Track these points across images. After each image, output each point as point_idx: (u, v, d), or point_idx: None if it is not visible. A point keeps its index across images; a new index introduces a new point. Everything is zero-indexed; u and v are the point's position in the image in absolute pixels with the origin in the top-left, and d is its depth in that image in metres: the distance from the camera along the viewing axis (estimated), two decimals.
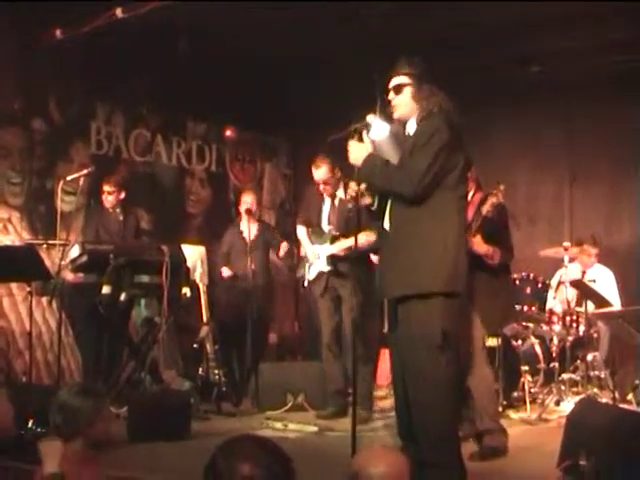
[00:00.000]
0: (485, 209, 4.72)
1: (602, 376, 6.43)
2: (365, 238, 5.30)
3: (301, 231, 6.39)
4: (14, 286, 6.77)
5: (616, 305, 6.72)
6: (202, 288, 6.61)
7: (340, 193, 6.06)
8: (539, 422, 5.86)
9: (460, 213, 3.90)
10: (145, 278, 6.18)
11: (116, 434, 4.80)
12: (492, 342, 5.94)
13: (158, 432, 5.08)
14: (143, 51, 7.35)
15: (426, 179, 3.70)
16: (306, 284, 6.30)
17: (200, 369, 6.50)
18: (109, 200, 6.83)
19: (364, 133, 3.97)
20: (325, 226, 6.16)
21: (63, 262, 6.14)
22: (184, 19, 6.55)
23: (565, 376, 6.37)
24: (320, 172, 6.02)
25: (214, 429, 5.54)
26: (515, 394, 6.37)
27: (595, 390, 6.22)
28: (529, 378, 6.40)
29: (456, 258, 3.78)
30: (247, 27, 7.13)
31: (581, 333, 6.51)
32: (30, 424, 3.77)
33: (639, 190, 7.86)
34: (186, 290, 6.49)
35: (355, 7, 6.52)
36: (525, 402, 6.17)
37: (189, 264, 6.48)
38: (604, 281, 7.09)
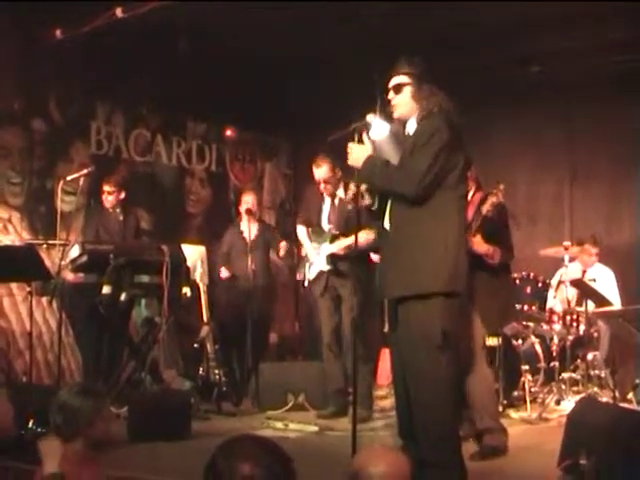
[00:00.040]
0: (485, 208, 4.72)
1: (602, 375, 6.43)
2: (364, 237, 5.30)
3: (301, 231, 6.40)
4: (14, 286, 6.77)
5: (616, 304, 6.72)
6: (202, 288, 6.61)
7: (340, 193, 6.07)
8: (539, 421, 5.86)
9: (460, 213, 3.90)
10: (145, 278, 6.18)
11: (116, 434, 4.81)
12: (492, 341, 5.94)
13: (158, 432, 5.07)
14: (143, 51, 7.36)
15: (427, 179, 3.70)
16: (306, 284, 6.30)
17: (200, 369, 6.49)
18: (109, 200, 6.83)
19: (364, 134, 3.97)
20: (325, 225, 6.16)
21: (63, 262, 6.14)
22: (184, 19, 6.55)
23: (565, 375, 6.36)
24: (321, 171, 6.02)
25: (214, 429, 5.54)
26: (515, 393, 6.37)
27: (595, 389, 6.22)
28: (529, 377, 6.41)
29: (456, 258, 3.77)
30: (247, 27, 7.13)
31: (581, 332, 6.51)
32: (30, 424, 3.77)
33: (639, 190, 7.86)
34: (186, 290, 6.49)
35: (355, 7, 6.52)
36: (525, 401, 6.17)
37: (189, 264, 6.48)
38: (604, 280, 7.09)
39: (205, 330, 6.54)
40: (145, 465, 4.49)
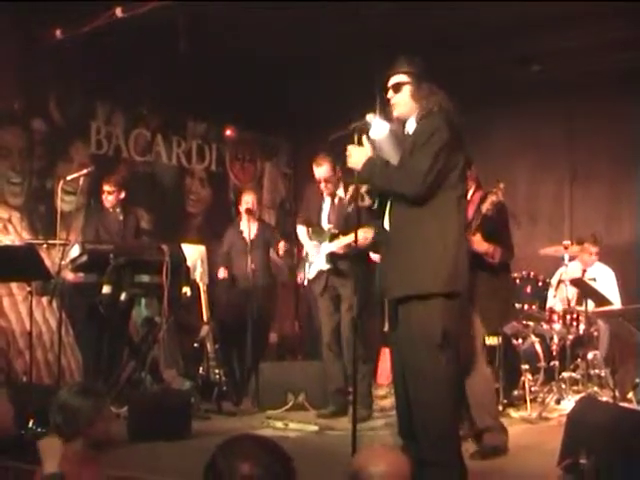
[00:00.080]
0: (485, 207, 4.72)
1: (602, 374, 6.43)
2: (363, 235, 5.30)
3: (301, 231, 6.40)
4: (14, 286, 6.77)
5: (616, 304, 6.72)
6: (202, 287, 6.61)
7: (340, 192, 6.07)
8: (539, 421, 5.86)
9: (460, 212, 3.90)
10: (145, 278, 6.18)
11: (116, 434, 4.79)
12: (492, 341, 5.94)
13: (158, 432, 5.08)
14: (143, 51, 7.36)
15: (428, 179, 3.70)
16: (305, 283, 6.30)
17: (200, 368, 6.50)
18: (109, 200, 6.82)
19: (363, 137, 3.97)
20: (325, 225, 6.16)
21: (63, 262, 6.14)
22: (184, 19, 6.54)
23: (565, 375, 6.36)
24: (322, 170, 6.03)
25: (215, 428, 5.54)
26: (515, 393, 6.38)
27: (595, 389, 6.23)
28: (529, 377, 6.41)
29: (456, 258, 3.77)
30: (247, 27, 7.13)
31: (581, 332, 6.52)
32: (30, 424, 3.78)
33: (639, 190, 7.86)
34: (186, 289, 6.49)
35: (355, 7, 6.52)
36: (525, 401, 6.17)
37: (189, 263, 6.48)
38: (604, 280, 7.09)
39: (205, 330, 6.55)
40: (145, 465, 4.49)
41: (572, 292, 6.78)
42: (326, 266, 6.02)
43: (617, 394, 6.01)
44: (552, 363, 6.57)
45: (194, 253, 6.82)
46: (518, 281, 6.71)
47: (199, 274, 6.61)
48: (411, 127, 3.93)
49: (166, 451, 4.86)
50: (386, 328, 4.76)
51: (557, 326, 6.61)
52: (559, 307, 6.80)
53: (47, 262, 6.34)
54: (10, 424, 3.18)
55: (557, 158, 8.44)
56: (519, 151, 8.52)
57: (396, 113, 3.98)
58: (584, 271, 7.18)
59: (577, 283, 6.64)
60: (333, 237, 6.01)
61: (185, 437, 5.20)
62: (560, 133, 8.41)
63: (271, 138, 9.65)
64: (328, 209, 6.18)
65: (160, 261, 5.97)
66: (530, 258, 6.94)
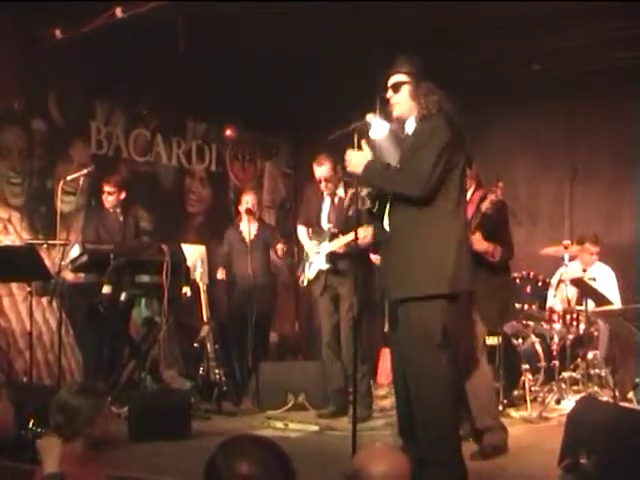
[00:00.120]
0: (484, 206, 4.72)
1: (602, 374, 6.43)
2: (362, 233, 5.30)
3: (301, 231, 6.40)
4: (14, 286, 6.76)
5: (616, 303, 6.72)
6: (202, 287, 6.61)
7: (340, 192, 6.08)
8: (540, 421, 5.86)
9: (460, 212, 3.90)
10: (145, 278, 6.18)
11: (117, 434, 4.82)
12: (492, 341, 5.95)
13: (159, 432, 5.08)
14: (143, 51, 7.36)
15: (432, 179, 3.69)
16: (305, 283, 6.30)
17: (201, 369, 6.49)
18: (109, 200, 6.82)
19: (362, 142, 3.96)
20: (325, 225, 6.16)
21: (63, 262, 6.15)
22: (184, 19, 6.54)
23: (565, 374, 6.36)
24: (322, 169, 6.03)
25: (215, 428, 5.54)
26: (516, 393, 6.38)
27: (595, 388, 6.23)
28: (529, 377, 6.42)
29: (457, 259, 3.76)
30: (247, 27, 7.13)
31: (581, 331, 6.52)
32: (30, 424, 3.77)
33: (639, 190, 7.85)
34: (186, 289, 6.50)
35: (355, 7, 6.52)
36: (526, 401, 6.17)
37: (189, 263, 6.49)
38: (604, 279, 7.09)
39: (205, 330, 6.55)
40: (145, 465, 4.49)
41: (572, 292, 6.78)
42: (326, 266, 6.02)
43: (617, 394, 6.00)
44: (552, 363, 6.57)
45: (194, 253, 6.83)
46: (518, 281, 6.71)
47: (199, 274, 6.61)
48: (410, 127, 3.93)
49: (166, 451, 4.86)
50: (386, 328, 4.77)
51: (557, 326, 6.61)
52: (559, 307, 6.80)
53: (47, 262, 6.35)
54: (10, 424, 3.16)
55: (557, 158, 8.44)
56: (519, 151, 8.52)
57: (396, 113, 3.98)
58: (584, 271, 7.17)
59: (577, 283, 6.63)
60: (333, 237, 6.01)
61: (185, 437, 5.20)
62: (560, 133, 8.41)
63: (271, 138, 9.65)
64: (328, 209, 6.18)
65: (160, 261, 5.97)
66: (530, 258, 6.94)
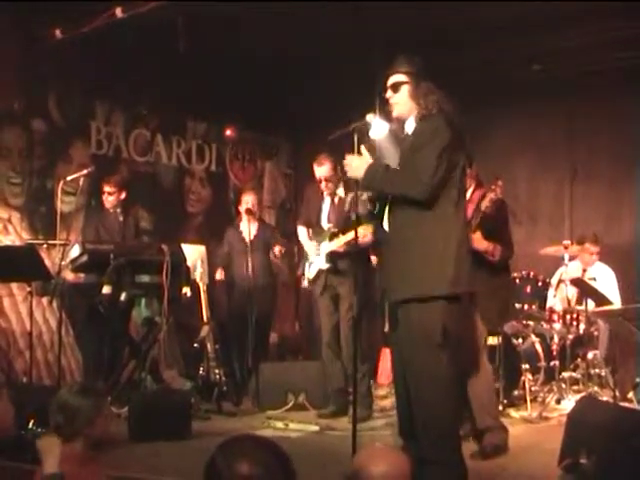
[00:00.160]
0: (483, 205, 4.72)
1: (602, 374, 6.43)
2: (362, 232, 5.29)
3: (302, 232, 6.40)
4: (14, 286, 6.77)
5: (616, 303, 6.72)
6: (202, 287, 6.61)
7: (340, 191, 6.08)
8: (540, 420, 5.85)
9: (460, 212, 3.89)
10: (145, 278, 6.18)
11: (117, 434, 4.82)
12: (492, 341, 5.94)
13: (159, 432, 5.08)
14: (143, 51, 7.36)
15: (434, 180, 3.69)
16: (305, 283, 6.30)
17: (201, 369, 6.49)
18: (109, 200, 6.82)
19: (362, 147, 3.96)
20: (325, 224, 6.17)
21: (63, 262, 6.14)
22: (184, 19, 6.54)
23: (565, 374, 6.36)
24: (323, 169, 6.04)
25: (215, 429, 5.54)
26: (516, 392, 6.37)
27: (595, 388, 6.23)
28: (530, 376, 6.41)
29: (458, 259, 3.76)
30: (247, 27, 7.13)
31: (581, 331, 6.51)
32: (30, 424, 3.77)
33: (639, 190, 7.85)
34: (186, 290, 6.50)
35: (355, 7, 6.52)
36: (526, 400, 6.17)
37: (189, 264, 6.48)
38: (604, 279, 7.09)
39: (205, 330, 6.54)
40: (145, 465, 4.49)
41: (572, 292, 6.79)
42: (326, 265, 6.02)
43: (617, 394, 6.00)
44: (552, 363, 6.57)
45: (194, 253, 6.83)
46: (518, 281, 6.71)
47: (199, 274, 6.61)
48: (410, 127, 3.93)
49: (166, 451, 4.86)
50: (386, 328, 4.76)
51: (557, 326, 6.61)
52: (559, 307, 6.80)
53: (47, 262, 6.35)
54: (10, 424, 3.17)
55: (557, 158, 8.44)
56: (519, 151, 8.52)
57: (395, 113, 3.98)
58: (584, 271, 7.18)
59: (577, 283, 6.64)
60: (333, 236, 6.01)
61: (185, 437, 5.20)
62: (560, 133, 8.41)
63: (271, 138, 9.65)
64: (328, 209, 6.18)
65: (160, 261, 5.97)
66: (530, 258, 6.94)
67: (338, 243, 5.94)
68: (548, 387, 6.41)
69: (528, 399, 6.15)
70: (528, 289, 6.76)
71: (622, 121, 7.82)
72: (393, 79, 3.94)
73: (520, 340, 6.71)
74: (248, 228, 7.25)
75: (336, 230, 6.01)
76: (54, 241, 6.56)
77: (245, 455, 2.02)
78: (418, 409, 3.78)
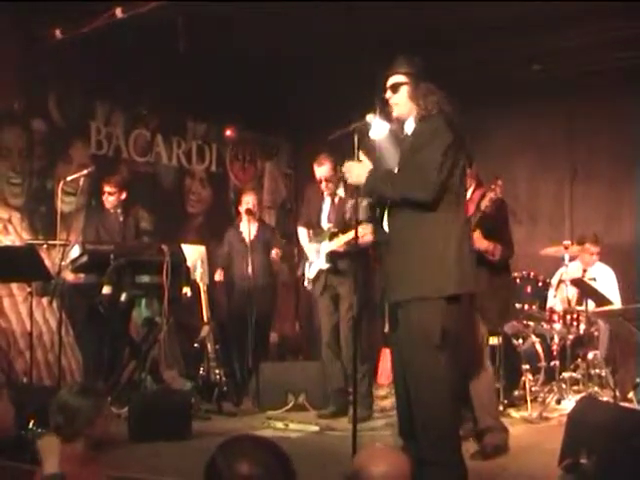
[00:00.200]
0: (483, 204, 4.72)
1: (603, 374, 6.43)
2: (361, 232, 5.28)
3: (302, 233, 6.40)
4: (15, 286, 6.76)
5: (616, 303, 6.72)
6: (202, 288, 6.61)
7: (341, 192, 6.08)
8: (540, 421, 5.85)
9: (460, 212, 3.89)
10: (146, 278, 6.18)
11: (117, 434, 4.82)
12: (493, 341, 5.94)
13: (159, 432, 5.08)
14: (143, 51, 7.36)
15: (439, 182, 3.68)
16: (306, 283, 6.30)
17: (201, 369, 6.49)
18: (110, 201, 6.81)
19: (360, 153, 3.95)
20: (325, 224, 6.17)
21: (63, 262, 6.14)
22: (183, 19, 6.54)
23: (566, 374, 6.36)
24: (323, 169, 6.04)
25: (215, 429, 5.54)
26: (516, 393, 6.37)
27: (596, 388, 6.23)
28: (530, 377, 6.41)
29: (459, 260, 3.75)
30: (247, 27, 7.12)
31: (582, 331, 6.51)
32: (30, 424, 3.77)
33: (639, 190, 7.85)
34: (187, 290, 6.50)
35: (348, 7, 6.51)
36: (526, 401, 6.17)
37: (189, 264, 6.48)
38: (605, 279, 7.09)
39: (205, 330, 6.54)
40: (145, 465, 4.49)
41: (572, 292, 6.78)
42: (326, 265, 6.02)
43: (617, 394, 6.00)
44: (552, 363, 6.57)
45: (194, 253, 6.82)
46: (518, 281, 6.71)
47: (199, 274, 6.61)
48: (410, 128, 3.92)
49: (166, 451, 4.86)
50: (386, 328, 4.76)
51: (557, 326, 6.61)
52: (559, 307, 6.80)
53: (47, 263, 6.35)
54: (10, 424, 3.17)
55: (557, 158, 8.44)
56: (519, 151, 8.52)
57: (395, 113, 3.98)
58: (584, 271, 7.17)
59: (577, 283, 6.64)
60: (333, 236, 6.01)
61: (185, 437, 5.20)
62: (560, 133, 8.41)
63: (271, 138, 9.65)
64: (328, 209, 6.18)
65: (160, 261, 5.97)
66: (530, 258, 6.94)
67: (338, 243, 5.94)
68: (548, 387, 6.40)
69: (528, 399, 6.15)
70: (528, 289, 6.77)
71: (622, 121, 7.82)
72: (392, 80, 3.94)
73: (520, 340, 6.71)
74: (248, 228, 7.25)
75: (336, 230, 6.01)
76: (54, 241, 6.56)
77: (245, 455, 2.02)
78: (418, 410, 3.77)
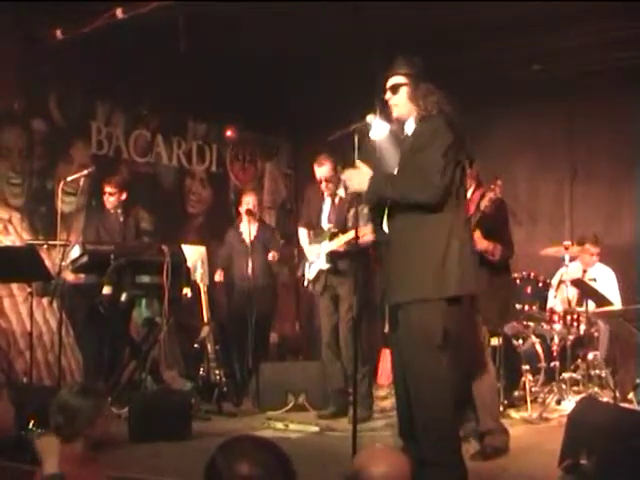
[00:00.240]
0: (483, 204, 4.71)
1: (603, 375, 6.43)
2: (361, 232, 5.28)
3: (302, 233, 6.40)
4: (15, 287, 6.76)
5: (617, 304, 6.72)
6: (203, 288, 6.61)
7: (341, 192, 6.08)
8: (540, 421, 5.85)
9: (461, 213, 3.89)
10: (146, 278, 6.18)
11: (117, 434, 4.82)
12: (493, 341, 5.94)
13: (159, 432, 5.08)
14: (143, 51, 7.36)
15: (443, 183, 3.67)
16: (306, 283, 6.30)
17: (201, 369, 6.49)
18: (110, 201, 6.81)
19: (357, 161, 3.94)
20: (325, 225, 6.17)
21: (64, 263, 6.14)
22: (184, 19, 6.54)
23: (566, 375, 6.36)
24: (323, 170, 6.04)
25: (215, 429, 5.54)
26: (516, 393, 6.37)
27: (596, 389, 6.22)
28: (530, 377, 6.41)
29: (460, 260, 3.75)
30: (247, 27, 7.13)
31: (582, 332, 6.51)
32: (30, 424, 3.77)
33: (639, 190, 7.85)
34: (187, 290, 6.50)
35: (355, 7, 6.52)
36: (526, 401, 6.16)
37: (190, 264, 6.48)
38: (605, 280, 7.09)
39: (205, 330, 6.54)
40: (145, 465, 4.49)
41: (572, 293, 6.78)
42: (326, 265, 6.01)
43: (617, 395, 6.00)
44: (552, 364, 6.57)
45: (194, 254, 6.82)
46: (518, 281, 6.71)
47: (199, 275, 6.61)
48: (410, 128, 3.92)
49: (166, 452, 4.86)
50: (386, 329, 4.76)
51: (557, 327, 6.61)
52: (559, 308, 6.79)
53: (47, 263, 6.35)
54: (10, 424, 3.17)
55: (557, 158, 8.44)
56: (519, 151, 8.52)
57: (395, 114, 3.98)
58: (584, 271, 7.18)
59: (577, 284, 6.64)
60: (333, 236, 6.01)
61: (185, 438, 5.20)
62: (560, 133, 8.41)
63: (271, 138, 9.65)
64: (329, 209, 6.18)
65: (160, 262, 5.97)
66: (530, 258, 6.93)
67: (338, 242, 5.94)
68: (548, 388, 6.40)
69: (528, 400, 6.14)
70: (528, 290, 6.76)
71: (622, 121, 7.82)
72: (392, 81, 3.94)
73: (520, 341, 6.71)
74: (248, 229, 7.25)
75: (336, 230, 6.01)
76: (54, 241, 6.56)
77: (245, 456, 2.02)
78: (418, 410, 3.77)
